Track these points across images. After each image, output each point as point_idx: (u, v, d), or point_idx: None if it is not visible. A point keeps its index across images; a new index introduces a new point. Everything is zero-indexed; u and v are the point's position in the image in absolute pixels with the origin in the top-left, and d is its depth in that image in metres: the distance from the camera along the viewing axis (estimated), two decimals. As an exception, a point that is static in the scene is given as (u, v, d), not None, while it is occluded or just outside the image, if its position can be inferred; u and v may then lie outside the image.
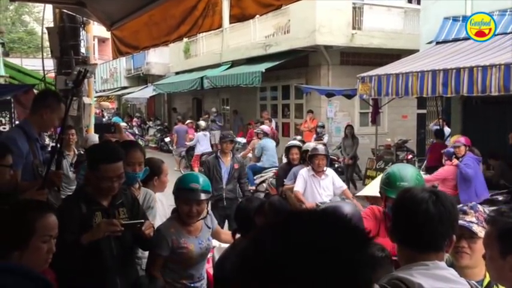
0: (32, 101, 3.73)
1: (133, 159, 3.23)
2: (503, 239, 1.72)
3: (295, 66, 15.69)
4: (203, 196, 3.03)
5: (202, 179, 3.12)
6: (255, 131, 12.18)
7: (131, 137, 14.59)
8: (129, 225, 2.66)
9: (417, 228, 1.67)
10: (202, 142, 14.15)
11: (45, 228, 1.88)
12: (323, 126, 13.31)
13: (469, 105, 9.70)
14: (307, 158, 6.03)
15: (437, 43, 9.85)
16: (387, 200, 2.96)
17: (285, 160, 7.94)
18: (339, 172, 9.87)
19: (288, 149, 7.10)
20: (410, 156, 12.10)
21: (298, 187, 5.95)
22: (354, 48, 14.41)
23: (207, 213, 3.15)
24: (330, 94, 13.39)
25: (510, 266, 1.59)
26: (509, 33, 8.30)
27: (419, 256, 1.67)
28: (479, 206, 2.31)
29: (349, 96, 12.61)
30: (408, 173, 3.00)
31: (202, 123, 15.79)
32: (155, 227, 3.02)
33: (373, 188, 3.67)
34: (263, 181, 9.58)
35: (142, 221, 2.73)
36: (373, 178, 10.55)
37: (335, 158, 12.16)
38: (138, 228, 2.70)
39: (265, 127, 11.40)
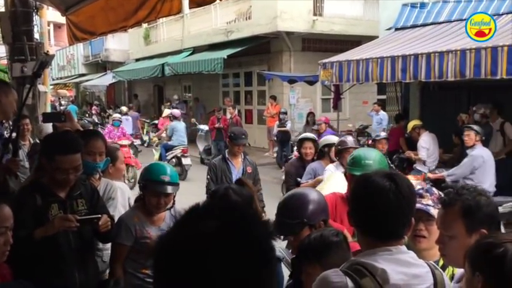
0: None
1: (94, 148, 3.12)
2: (467, 216, 1.78)
3: (257, 52, 15.64)
4: (172, 190, 2.97)
5: (170, 170, 3.06)
6: (166, 115, 13.68)
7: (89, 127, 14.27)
8: (85, 221, 2.58)
9: (378, 218, 1.67)
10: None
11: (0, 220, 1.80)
12: (286, 113, 13.37)
13: (427, 90, 9.92)
14: (336, 153, 4.92)
15: (396, 29, 10.00)
16: (353, 180, 2.99)
17: (292, 154, 7.43)
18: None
19: (301, 143, 5.82)
20: (370, 141, 12.32)
21: (335, 187, 4.26)
22: (315, 34, 14.49)
23: (173, 203, 3.10)
24: (292, 80, 13.44)
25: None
26: (464, 19, 8.52)
27: (381, 244, 1.68)
28: (434, 188, 2.36)
29: (311, 82, 12.70)
30: (372, 154, 3.16)
31: (123, 108, 17.73)
32: (116, 219, 2.95)
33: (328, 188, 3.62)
34: (173, 156, 11.76)
35: (99, 215, 2.65)
36: (335, 163, 10.67)
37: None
38: (95, 223, 2.61)
39: (175, 111, 13.40)
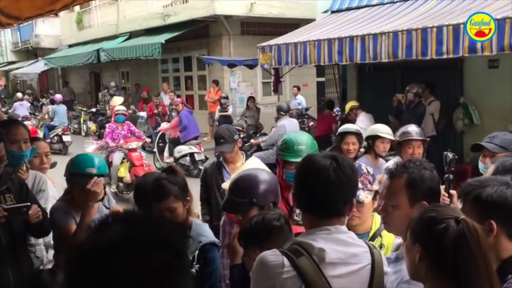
0: None
1: (17, 136, 2.96)
2: (411, 188, 1.86)
3: (196, 36, 15.41)
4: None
5: (98, 160, 2.91)
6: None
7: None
8: (13, 210, 2.45)
9: (319, 196, 1.71)
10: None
11: None
12: (227, 97, 13.33)
13: (363, 72, 10.16)
14: (396, 146, 4.22)
15: (333, 12, 10.14)
16: (285, 165, 3.04)
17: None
18: (245, 142, 9.95)
19: (342, 137, 4.57)
20: (311, 123, 12.55)
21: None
22: (253, 18, 14.44)
23: (105, 194, 2.97)
24: (232, 65, 13.36)
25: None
26: (396, 2, 8.76)
27: (322, 221, 1.71)
28: (363, 167, 2.44)
29: (251, 66, 12.69)
30: (303, 138, 3.19)
31: (19, 94, 19.10)
32: (47, 211, 2.81)
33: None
34: (55, 135, 13.76)
35: (28, 204, 2.52)
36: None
37: (240, 128, 12.28)
38: (25, 212, 2.49)
39: (57, 96, 16.11)
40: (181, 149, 10.26)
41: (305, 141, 3.10)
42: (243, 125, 12.70)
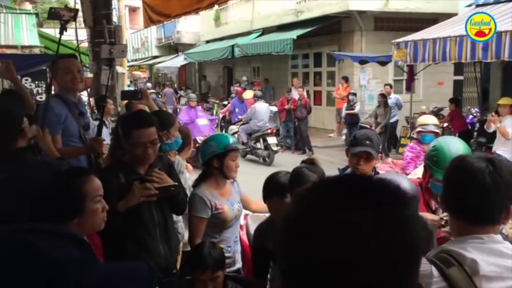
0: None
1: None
2: None
3: (327, 32, 15.36)
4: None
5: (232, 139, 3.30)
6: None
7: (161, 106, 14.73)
8: (164, 188, 2.66)
9: (472, 200, 1.56)
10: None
11: (94, 190, 1.95)
12: (355, 94, 13.11)
13: (510, 70, 9.32)
14: None
15: (478, 6, 9.43)
16: (431, 177, 2.69)
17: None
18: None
19: None
20: (446, 124, 11.82)
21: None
22: (388, 13, 13.96)
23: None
24: (363, 61, 13.09)
25: None
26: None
27: (474, 229, 1.56)
28: None
29: (383, 63, 12.32)
30: (459, 150, 2.63)
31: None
32: (187, 192, 3.05)
33: None
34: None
35: (176, 183, 2.74)
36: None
37: (367, 126, 12.01)
38: (173, 190, 2.71)
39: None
40: (232, 128, 13.02)
41: (461, 151, 2.63)
42: (370, 123, 12.41)
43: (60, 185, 1.91)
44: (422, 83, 14.76)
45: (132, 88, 17.71)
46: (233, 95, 16.51)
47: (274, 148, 11.14)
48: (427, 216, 2.43)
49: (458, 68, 13.68)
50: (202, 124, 11.34)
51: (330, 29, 15.15)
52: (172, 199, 2.79)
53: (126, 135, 2.69)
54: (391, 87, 12.99)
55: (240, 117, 13.33)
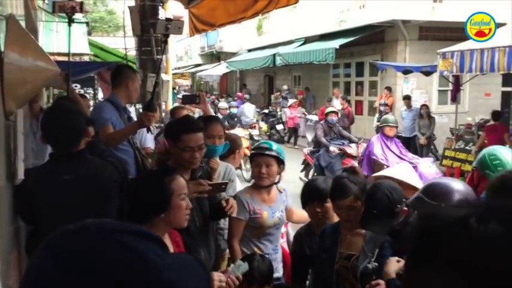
0: (111, 76, 3.95)
1: (213, 132, 3.25)
2: None
3: (370, 42, 15.22)
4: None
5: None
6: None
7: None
8: (215, 185, 2.80)
9: None
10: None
11: (179, 187, 2.14)
12: (386, 105, 12.93)
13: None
14: None
15: (528, 15, 9.13)
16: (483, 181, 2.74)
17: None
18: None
19: None
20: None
21: None
22: (434, 22, 13.69)
23: (279, 179, 3.19)
24: (406, 71, 12.87)
25: None
26: None
27: None
28: None
29: (428, 73, 12.07)
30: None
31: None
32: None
33: (393, 172, 3.50)
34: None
35: (227, 181, 2.88)
36: (451, 158, 10.11)
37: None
38: (223, 188, 2.84)
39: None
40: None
41: None
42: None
43: (153, 182, 2.12)
44: (469, 93, 14.37)
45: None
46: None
47: (256, 138, 12.28)
48: None
49: (507, 79, 13.24)
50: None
51: (372, 38, 15.00)
52: (215, 206, 2.86)
53: (175, 138, 2.76)
54: (409, 98, 12.70)
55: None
